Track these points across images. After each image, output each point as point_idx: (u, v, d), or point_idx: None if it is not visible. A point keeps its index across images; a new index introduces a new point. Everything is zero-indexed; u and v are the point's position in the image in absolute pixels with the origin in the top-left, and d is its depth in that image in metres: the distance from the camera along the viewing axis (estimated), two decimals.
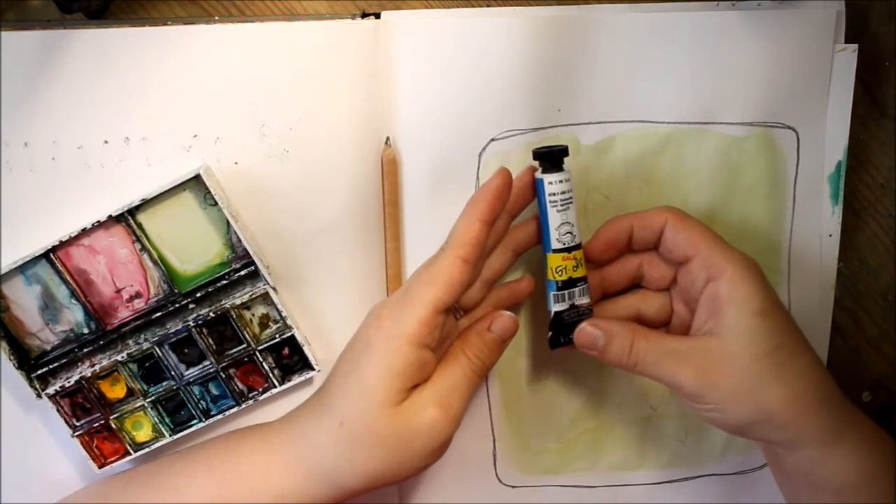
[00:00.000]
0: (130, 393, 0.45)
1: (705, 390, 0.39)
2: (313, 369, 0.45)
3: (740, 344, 0.39)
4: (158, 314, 0.44)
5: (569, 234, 0.41)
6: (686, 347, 0.40)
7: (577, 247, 0.41)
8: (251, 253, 0.42)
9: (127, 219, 0.42)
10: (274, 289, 0.43)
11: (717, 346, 0.39)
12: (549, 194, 0.41)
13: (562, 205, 0.41)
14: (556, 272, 0.41)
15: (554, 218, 0.41)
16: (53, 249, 0.42)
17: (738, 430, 0.41)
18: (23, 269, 0.42)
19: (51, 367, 0.44)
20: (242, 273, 0.44)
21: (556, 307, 0.42)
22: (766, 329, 0.38)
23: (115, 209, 0.42)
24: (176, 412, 0.45)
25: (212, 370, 0.44)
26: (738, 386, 0.39)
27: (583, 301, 0.42)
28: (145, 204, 0.42)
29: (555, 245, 0.41)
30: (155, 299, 0.44)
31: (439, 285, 0.38)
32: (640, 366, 0.40)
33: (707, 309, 0.40)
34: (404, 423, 0.39)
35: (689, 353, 0.39)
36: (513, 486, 0.50)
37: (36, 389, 0.43)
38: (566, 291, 0.41)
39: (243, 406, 0.45)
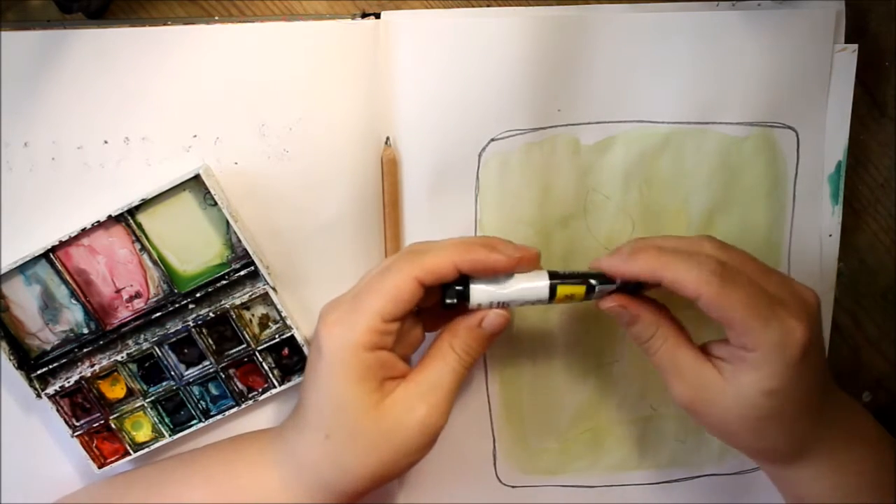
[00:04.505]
0: (130, 393, 0.45)
1: (689, 408, 0.40)
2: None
3: (739, 404, 0.38)
4: (158, 314, 0.44)
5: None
6: (692, 368, 0.39)
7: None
8: (251, 253, 0.42)
9: (127, 219, 0.42)
10: (274, 289, 0.43)
11: (719, 387, 0.39)
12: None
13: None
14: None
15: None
16: (53, 249, 0.42)
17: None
18: (23, 269, 0.42)
19: (51, 367, 0.44)
20: (242, 273, 0.43)
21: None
22: (768, 407, 0.38)
23: (114, 209, 0.42)
24: (176, 412, 0.45)
25: (211, 370, 0.44)
26: (717, 424, 0.40)
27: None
28: (145, 204, 0.42)
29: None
30: (155, 299, 0.44)
31: (388, 298, 0.38)
32: (652, 357, 0.40)
33: (732, 355, 0.39)
34: (392, 422, 0.38)
35: (692, 374, 0.39)
36: (513, 486, 0.50)
37: (36, 389, 0.43)
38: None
39: (243, 406, 0.45)
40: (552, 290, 0.40)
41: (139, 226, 0.42)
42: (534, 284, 0.40)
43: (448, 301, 0.39)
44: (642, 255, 0.38)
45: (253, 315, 0.44)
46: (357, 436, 0.38)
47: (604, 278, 0.40)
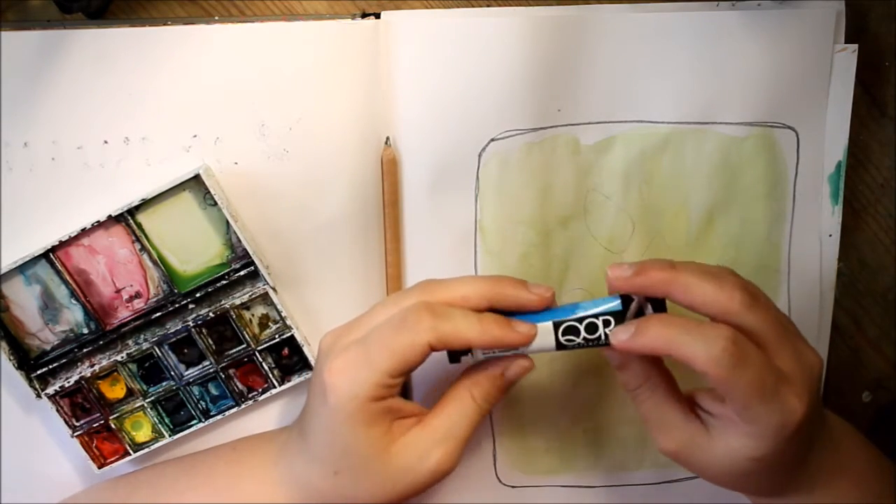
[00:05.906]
0: (130, 393, 0.45)
1: (673, 458, 0.40)
2: (313, 370, 0.45)
3: (723, 460, 0.38)
4: (158, 314, 0.44)
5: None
6: (678, 422, 0.39)
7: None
8: (251, 253, 0.42)
9: (127, 219, 0.42)
10: (273, 289, 0.43)
11: (704, 443, 0.39)
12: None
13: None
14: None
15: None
16: (53, 249, 0.42)
17: None
18: (22, 269, 0.42)
19: (50, 367, 0.44)
20: (242, 273, 0.43)
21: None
22: (752, 467, 0.38)
23: (114, 209, 0.42)
24: (175, 412, 0.45)
25: (211, 370, 0.44)
26: (699, 472, 0.40)
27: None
28: (145, 204, 0.42)
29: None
30: (154, 299, 0.44)
31: (398, 359, 0.37)
32: (638, 406, 0.40)
33: (722, 414, 0.38)
34: (404, 465, 0.39)
35: (677, 429, 0.39)
36: (513, 486, 0.50)
37: (36, 389, 0.43)
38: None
39: (243, 406, 0.45)
40: (558, 346, 0.40)
41: (139, 226, 0.42)
42: (540, 347, 0.39)
43: (453, 362, 0.40)
44: (650, 330, 0.37)
45: (253, 315, 0.44)
46: (367, 476, 0.39)
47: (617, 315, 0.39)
